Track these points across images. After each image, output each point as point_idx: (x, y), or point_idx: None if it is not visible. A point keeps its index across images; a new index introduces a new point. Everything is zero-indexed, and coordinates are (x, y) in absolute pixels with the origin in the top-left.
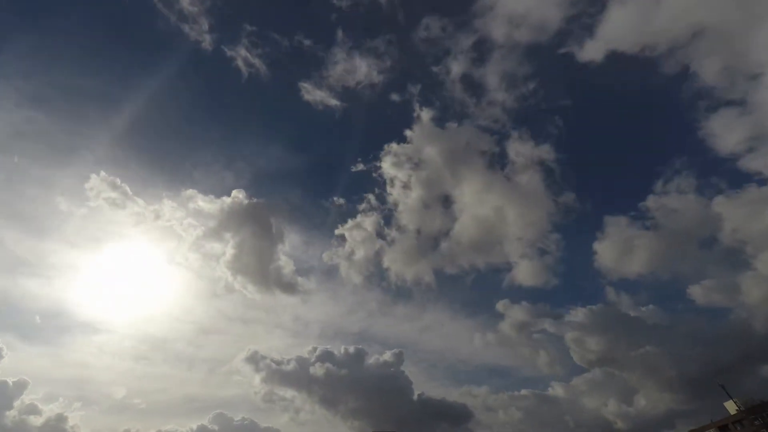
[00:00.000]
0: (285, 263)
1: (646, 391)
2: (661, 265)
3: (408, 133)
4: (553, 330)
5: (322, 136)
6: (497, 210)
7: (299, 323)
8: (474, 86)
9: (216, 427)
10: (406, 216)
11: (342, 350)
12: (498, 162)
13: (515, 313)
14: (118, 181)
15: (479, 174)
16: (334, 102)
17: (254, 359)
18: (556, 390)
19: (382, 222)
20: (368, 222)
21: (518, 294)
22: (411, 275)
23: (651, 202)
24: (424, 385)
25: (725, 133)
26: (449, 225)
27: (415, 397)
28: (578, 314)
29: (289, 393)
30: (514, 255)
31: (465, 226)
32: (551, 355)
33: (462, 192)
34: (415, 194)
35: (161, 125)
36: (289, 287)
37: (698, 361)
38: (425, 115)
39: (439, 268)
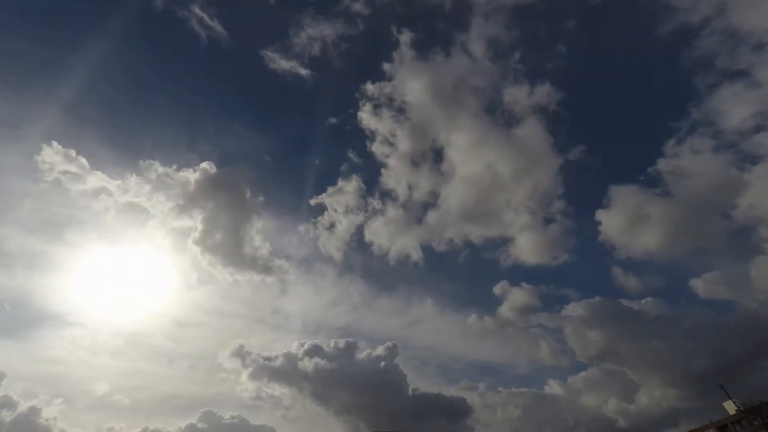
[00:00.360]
0: (260, 244)
1: (649, 388)
2: (674, 240)
3: (387, 67)
4: (553, 324)
5: (293, 109)
6: (493, 168)
7: (280, 316)
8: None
9: (205, 426)
10: (391, 178)
11: (332, 344)
12: (494, 108)
13: (515, 297)
14: (74, 152)
15: (473, 121)
16: (304, 71)
17: (239, 354)
18: (554, 387)
19: (363, 188)
20: (349, 189)
21: (518, 274)
22: (396, 251)
23: (662, 165)
24: (415, 384)
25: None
26: (438, 186)
27: (410, 392)
28: (578, 308)
29: (278, 390)
30: (514, 227)
31: (457, 190)
32: (551, 350)
33: (454, 145)
34: (401, 148)
35: (114, 95)
36: (266, 269)
37: (705, 356)
38: (405, 38)
39: (428, 242)
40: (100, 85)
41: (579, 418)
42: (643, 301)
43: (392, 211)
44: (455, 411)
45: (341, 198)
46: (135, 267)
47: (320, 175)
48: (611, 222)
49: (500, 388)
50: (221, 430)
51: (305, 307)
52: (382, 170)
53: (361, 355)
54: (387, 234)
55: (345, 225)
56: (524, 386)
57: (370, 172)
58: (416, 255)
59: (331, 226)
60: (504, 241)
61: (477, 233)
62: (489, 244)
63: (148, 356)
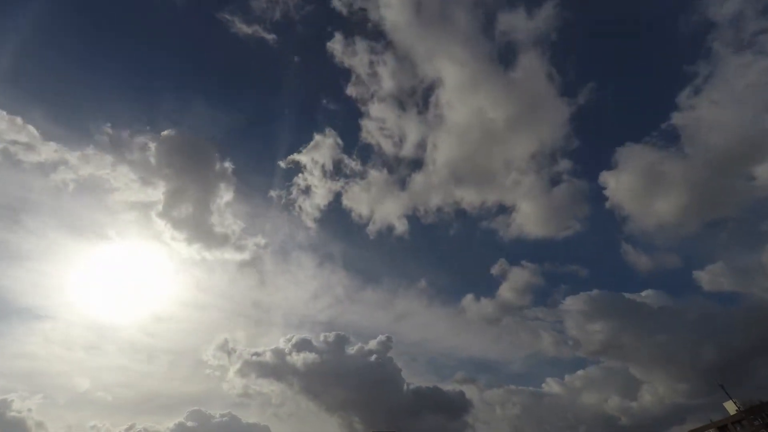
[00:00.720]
0: (231, 219)
1: (653, 384)
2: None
3: None
4: (552, 318)
5: (257, 71)
6: (487, 116)
7: (260, 310)
8: None
9: (195, 425)
10: (371, 131)
11: (322, 338)
12: (489, 34)
13: (515, 277)
14: (20, 120)
15: (465, 49)
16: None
17: (225, 350)
18: (552, 386)
19: (341, 144)
20: (325, 146)
21: (518, 250)
22: (379, 221)
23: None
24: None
25: None
26: (425, 137)
27: (405, 387)
28: (578, 301)
29: (268, 386)
30: (512, 190)
31: (446, 143)
32: (550, 345)
33: (444, 82)
34: (384, 89)
35: (59, 62)
36: (239, 248)
37: (712, 349)
38: None
39: (414, 210)
40: (44, 51)
41: (580, 417)
42: (644, 293)
43: (374, 174)
44: (453, 407)
45: (317, 154)
46: (102, 252)
47: (293, 133)
48: (620, 186)
49: (495, 387)
50: (212, 429)
51: (286, 300)
52: (362, 121)
53: (353, 349)
54: (368, 201)
55: (322, 191)
56: (522, 384)
57: (348, 124)
58: (401, 227)
59: (307, 191)
60: (501, 209)
61: (470, 199)
62: (484, 213)
63: (125, 351)
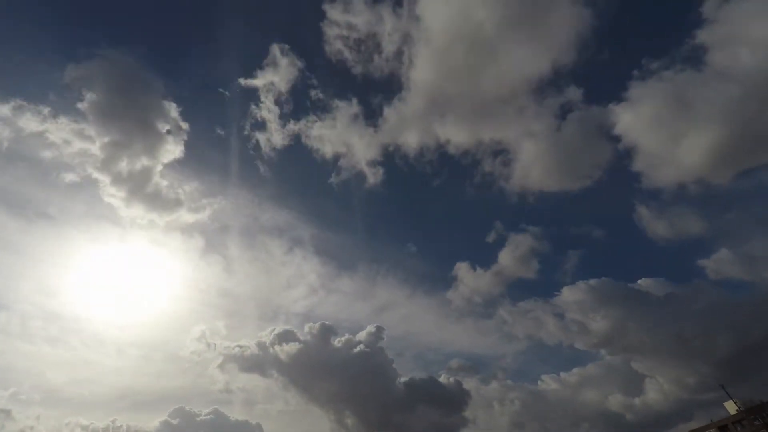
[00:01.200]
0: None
1: (658, 379)
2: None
3: None
4: (550, 309)
5: None
6: (474, 16)
7: (229, 300)
8: None
9: (178, 421)
10: (336, 40)
11: (306, 329)
12: None
13: (518, 242)
14: None
15: None
16: None
17: (203, 343)
18: (548, 383)
19: (300, 65)
20: (282, 65)
21: (517, 210)
22: (347, 167)
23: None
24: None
25: None
26: (402, 47)
27: (398, 380)
28: (577, 291)
29: (252, 382)
30: (510, 129)
31: (425, 63)
32: (549, 337)
33: None
34: None
35: None
36: (195, 209)
37: (722, 340)
38: None
39: (388, 151)
40: None
41: (581, 414)
42: (640, 281)
43: (343, 109)
44: (451, 400)
45: (275, 76)
46: (45, 227)
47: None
48: (634, 123)
49: (491, 383)
50: (197, 427)
51: (256, 289)
52: (323, 25)
53: (341, 340)
54: (333, 140)
55: (279, 135)
56: (518, 380)
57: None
58: (374, 176)
59: (262, 126)
60: (497, 151)
61: (458, 140)
62: (473, 159)
63: (91, 345)
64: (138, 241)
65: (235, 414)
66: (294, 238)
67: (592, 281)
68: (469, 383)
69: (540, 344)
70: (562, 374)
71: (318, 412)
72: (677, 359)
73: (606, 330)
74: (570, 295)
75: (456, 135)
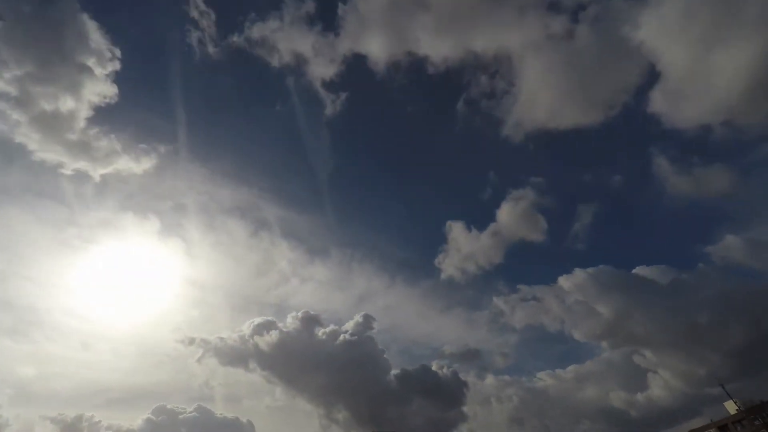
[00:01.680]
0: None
1: (662, 374)
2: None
3: None
4: (548, 297)
5: None
6: None
7: (196, 288)
8: None
9: (160, 418)
10: None
11: (288, 320)
12: None
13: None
14: None
15: None
16: None
17: (181, 336)
18: (546, 380)
19: None
20: None
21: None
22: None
23: None
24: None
25: None
26: None
27: (390, 371)
28: (577, 277)
29: (233, 377)
30: (511, 36)
31: None
32: (548, 329)
33: None
34: None
35: None
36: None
37: (731, 331)
38: None
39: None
40: None
41: (582, 410)
42: (638, 268)
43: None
44: (448, 391)
45: None
46: None
47: None
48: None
49: (486, 378)
50: (181, 424)
51: (224, 278)
52: None
53: (325, 332)
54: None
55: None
56: (515, 375)
57: None
58: (334, 106)
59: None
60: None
61: (439, 52)
62: (466, 76)
63: (54, 338)
64: (87, 221)
65: (220, 410)
66: (259, 219)
67: (590, 269)
68: (464, 377)
69: (538, 335)
70: (558, 370)
71: (308, 407)
72: (684, 351)
73: (608, 319)
74: (568, 283)
75: (435, 45)
